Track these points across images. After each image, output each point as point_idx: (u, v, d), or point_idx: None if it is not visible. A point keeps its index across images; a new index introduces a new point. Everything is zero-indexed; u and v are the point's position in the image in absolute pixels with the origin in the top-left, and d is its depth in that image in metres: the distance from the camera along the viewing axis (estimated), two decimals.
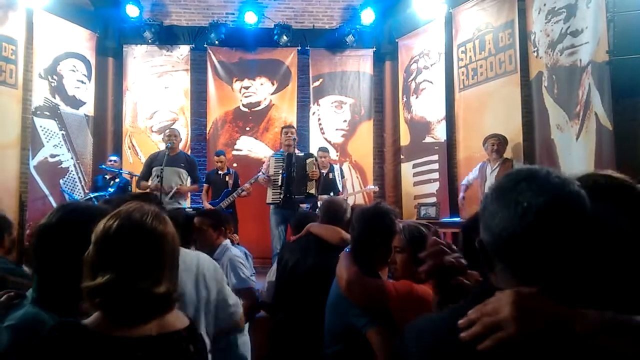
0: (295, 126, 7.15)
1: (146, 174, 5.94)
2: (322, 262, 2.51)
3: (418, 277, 1.69)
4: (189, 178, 6.00)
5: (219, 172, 6.61)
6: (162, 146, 6.34)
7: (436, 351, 0.90)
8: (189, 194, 6.61)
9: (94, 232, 1.22)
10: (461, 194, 6.07)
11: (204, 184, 6.54)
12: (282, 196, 5.53)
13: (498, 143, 5.63)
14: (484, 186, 5.66)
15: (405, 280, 1.86)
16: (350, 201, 7.41)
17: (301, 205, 5.64)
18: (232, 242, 3.40)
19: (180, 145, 6.49)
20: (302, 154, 5.78)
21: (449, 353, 0.87)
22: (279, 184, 5.56)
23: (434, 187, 7.07)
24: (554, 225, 0.82)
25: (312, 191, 5.59)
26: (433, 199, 6.94)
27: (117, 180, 6.55)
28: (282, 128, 6.09)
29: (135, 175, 6.42)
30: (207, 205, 6.28)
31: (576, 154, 5.13)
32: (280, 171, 5.59)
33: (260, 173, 5.88)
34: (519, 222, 0.84)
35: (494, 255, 0.90)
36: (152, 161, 5.92)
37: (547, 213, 0.83)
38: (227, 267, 2.96)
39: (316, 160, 5.80)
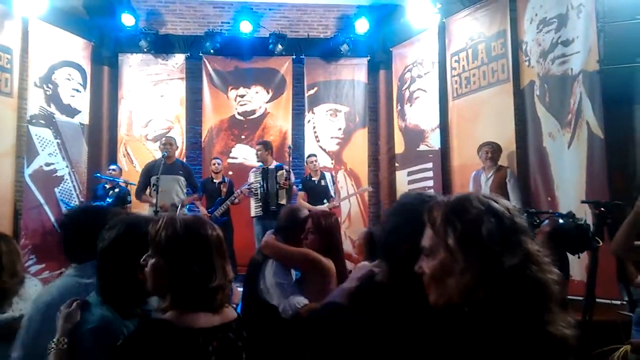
0: (287, 136, 7.40)
1: (144, 184, 5.94)
2: None
3: None
4: (186, 185, 6.03)
5: (214, 180, 6.63)
6: (158, 154, 6.36)
7: None
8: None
9: (154, 239, 1.40)
10: None
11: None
12: (262, 208, 6.12)
13: (492, 151, 5.63)
14: None
15: None
16: (345, 206, 7.47)
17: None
18: None
19: (176, 154, 6.51)
20: (272, 167, 6.24)
21: None
22: (259, 196, 6.14)
23: None
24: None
25: (283, 202, 6.07)
26: None
27: (116, 190, 6.55)
28: (256, 144, 6.78)
29: (131, 184, 6.45)
30: (203, 211, 6.32)
31: (568, 162, 5.18)
32: (259, 185, 6.16)
33: (246, 185, 6.34)
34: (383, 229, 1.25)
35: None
36: (149, 170, 5.92)
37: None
38: None
39: (286, 171, 6.20)
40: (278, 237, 2.86)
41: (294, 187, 6.35)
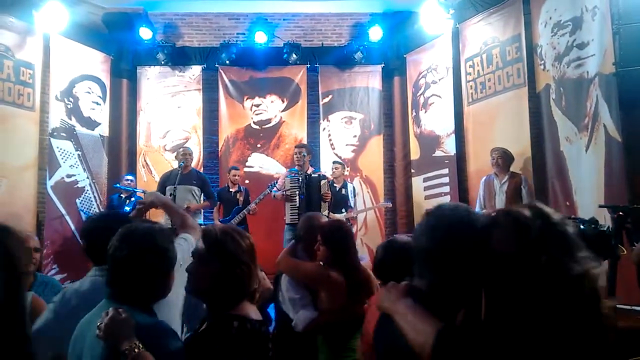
0: (306, 143, 7.32)
1: (162, 194, 6.01)
2: None
3: None
4: (201, 195, 6.11)
5: (230, 189, 6.70)
6: (176, 164, 6.45)
7: None
8: (202, 211, 6.66)
9: (217, 248, 1.65)
10: None
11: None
12: (299, 217, 5.71)
13: (499, 156, 5.68)
14: (493, 200, 5.65)
15: None
16: (361, 218, 7.45)
17: None
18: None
19: (193, 163, 6.60)
20: (315, 175, 6.04)
21: None
22: (297, 204, 5.85)
23: (445, 200, 7.07)
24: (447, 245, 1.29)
25: (325, 212, 5.86)
26: None
27: (132, 199, 6.67)
28: (295, 147, 6.43)
29: None
30: (217, 222, 6.37)
31: (586, 166, 5.12)
32: (298, 192, 5.87)
33: (275, 189, 6.15)
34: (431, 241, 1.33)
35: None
36: (166, 180, 6.06)
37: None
38: None
39: (328, 181, 6.04)
40: (299, 246, 2.90)
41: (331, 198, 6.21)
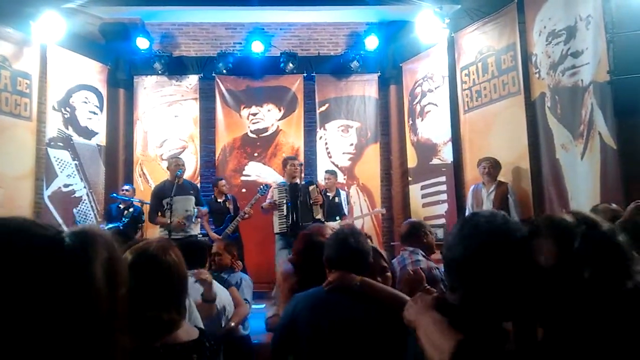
0: (299, 153, 7.42)
1: (157, 208, 5.78)
2: None
3: None
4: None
5: (218, 200, 6.66)
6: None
7: None
8: (199, 221, 6.60)
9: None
10: None
11: None
12: (288, 224, 5.77)
13: (490, 166, 5.76)
14: (480, 209, 5.68)
15: None
16: (357, 221, 7.44)
17: None
18: (236, 269, 3.89)
19: (190, 173, 6.60)
20: (304, 182, 6.02)
21: None
22: (284, 212, 5.81)
23: (442, 208, 7.09)
24: (488, 255, 1.17)
25: (319, 216, 5.80)
26: (442, 220, 6.97)
27: (130, 209, 6.65)
28: (286, 160, 6.25)
29: (147, 203, 6.46)
30: (211, 233, 6.31)
31: (582, 173, 5.15)
32: (285, 200, 5.84)
33: (267, 199, 6.11)
34: (464, 252, 1.21)
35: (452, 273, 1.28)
36: (161, 193, 5.78)
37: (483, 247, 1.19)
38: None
39: (317, 186, 6.03)
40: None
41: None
